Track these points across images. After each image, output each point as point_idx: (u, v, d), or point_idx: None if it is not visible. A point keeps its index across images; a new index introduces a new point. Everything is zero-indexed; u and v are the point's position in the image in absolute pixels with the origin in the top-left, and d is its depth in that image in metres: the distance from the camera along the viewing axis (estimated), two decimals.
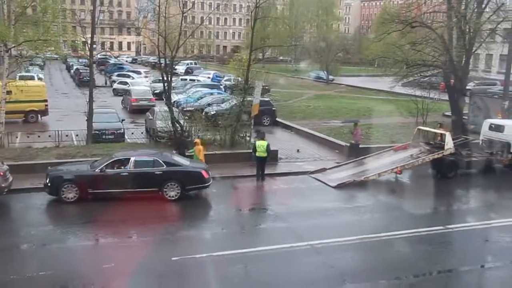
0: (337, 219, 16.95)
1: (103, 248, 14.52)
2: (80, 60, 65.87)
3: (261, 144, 21.05)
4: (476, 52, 28.97)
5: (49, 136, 24.62)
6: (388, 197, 19.96)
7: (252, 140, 24.30)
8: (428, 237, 15.27)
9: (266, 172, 21.15)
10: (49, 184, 17.28)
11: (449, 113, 31.58)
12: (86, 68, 49.68)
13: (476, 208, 19.02)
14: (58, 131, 24.26)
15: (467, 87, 32.55)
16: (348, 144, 24.81)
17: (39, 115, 32.12)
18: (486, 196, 20.61)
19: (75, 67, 62.55)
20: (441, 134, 22.53)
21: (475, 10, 26.24)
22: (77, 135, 25.76)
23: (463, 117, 29.65)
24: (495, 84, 50.91)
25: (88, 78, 30.72)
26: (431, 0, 29.17)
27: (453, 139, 22.13)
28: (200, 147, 20.32)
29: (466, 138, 24.43)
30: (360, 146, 24.73)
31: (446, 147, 21.46)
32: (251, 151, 21.72)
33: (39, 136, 24.78)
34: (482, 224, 16.54)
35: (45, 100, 32.28)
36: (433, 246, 14.74)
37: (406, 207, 18.44)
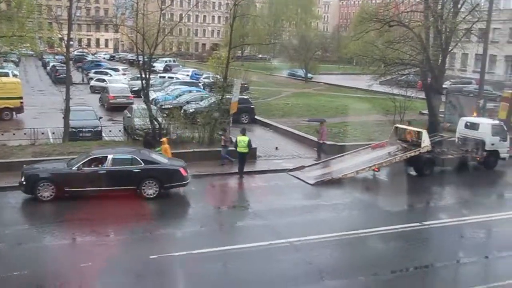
0: (315, 216, 17.06)
1: (80, 247, 14.36)
2: (57, 57, 64.87)
3: (242, 140, 21.18)
4: (452, 51, 29.42)
5: (25, 134, 24.23)
6: (366, 194, 20.16)
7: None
8: (405, 234, 15.49)
9: (244, 170, 21.18)
10: (24, 183, 17.02)
11: (425, 111, 32.01)
12: (62, 65, 48.96)
13: (451, 205, 19.32)
14: (33, 128, 23.88)
15: (443, 86, 32.99)
16: (316, 146, 24.29)
17: (14, 113, 31.51)
18: (461, 193, 20.95)
19: (51, 64, 61.60)
20: (418, 132, 22.81)
21: (451, 10, 26.63)
22: (53, 133, 25.39)
23: (439, 115, 30.09)
24: (471, 83, 51.78)
25: (65, 75, 30.32)
26: (409, 0, 29.45)
27: (429, 137, 22.43)
28: (167, 146, 20.15)
29: (442, 136, 24.80)
30: (339, 144, 24.91)
31: (422, 145, 21.74)
32: (233, 148, 21.87)
33: (14, 134, 24.34)
34: (458, 221, 16.83)
35: (21, 97, 31.68)
36: (410, 243, 14.96)
37: (383, 204, 18.66)
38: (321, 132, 24.10)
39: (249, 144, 21.24)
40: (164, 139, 20.94)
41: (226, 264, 13.23)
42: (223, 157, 22.07)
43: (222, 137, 22.64)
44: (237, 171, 21.27)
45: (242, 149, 21.16)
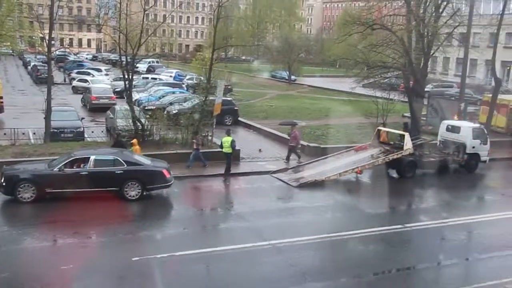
0: (298, 218, 17.11)
1: (61, 249, 14.19)
2: (38, 57, 64.18)
3: (226, 140, 21.28)
4: (434, 55, 29.70)
5: (5, 134, 23.91)
6: (349, 196, 20.25)
7: (214, 139, 24.42)
8: (387, 236, 15.62)
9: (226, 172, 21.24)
10: (4, 184, 16.77)
11: (408, 114, 32.27)
12: (44, 64, 48.44)
13: (433, 207, 19.50)
14: (14, 129, 23.56)
15: (425, 89, 33.31)
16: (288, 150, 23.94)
17: None
18: (443, 195, 21.16)
19: (32, 64, 60.92)
20: (400, 134, 23.01)
21: (433, 14, 26.88)
22: (34, 133, 25.07)
23: (421, 118, 30.37)
24: (452, 86, 52.39)
25: (46, 75, 29.97)
26: (391, 3, 29.63)
27: (411, 140, 22.63)
28: (137, 147, 20.04)
29: (424, 139, 25.03)
30: (322, 146, 25.00)
31: (405, 148, 21.93)
32: (216, 149, 22.15)
33: None
34: (439, 223, 16.99)
35: (1, 97, 31.27)
36: (392, 245, 15.10)
37: (366, 207, 18.78)
38: (292, 136, 23.87)
39: (232, 145, 21.30)
40: (134, 140, 20.81)
41: (209, 266, 13.18)
42: (192, 160, 21.79)
43: (193, 140, 22.50)
44: (220, 172, 21.24)
45: (226, 149, 21.24)
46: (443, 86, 53.81)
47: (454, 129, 24.30)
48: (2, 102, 31.26)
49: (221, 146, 21.61)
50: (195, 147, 22.10)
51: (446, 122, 25.29)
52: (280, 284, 12.17)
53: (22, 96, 42.54)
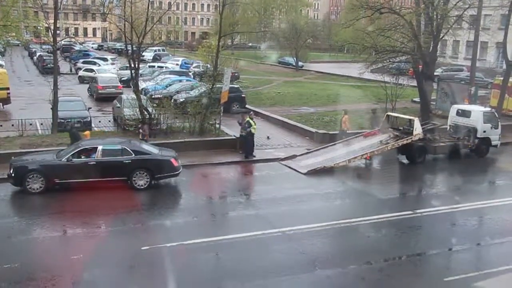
0: (308, 205, 17.09)
1: (71, 239, 14.32)
2: (43, 47, 64.28)
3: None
4: (443, 38, 29.43)
5: (12, 125, 24.05)
6: (358, 183, 20.22)
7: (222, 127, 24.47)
8: (398, 222, 15.61)
9: (235, 160, 21.36)
10: (13, 175, 16.90)
11: (417, 99, 32.10)
12: (49, 54, 48.52)
13: (444, 193, 19.41)
14: (21, 120, 23.68)
15: (435, 73, 33.08)
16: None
17: (0, 104, 31.26)
18: (454, 180, 21.10)
19: (38, 54, 61.05)
20: (409, 119, 22.89)
21: None
22: (41, 124, 25.19)
23: (431, 102, 30.19)
24: (462, 70, 52.02)
25: (52, 65, 30.03)
26: None
27: (421, 125, 22.52)
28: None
29: (434, 123, 24.90)
30: (330, 132, 24.95)
31: (414, 133, 21.82)
32: (223, 137, 22.64)
33: (1, 125, 24.08)
34: (450, 208, 16.94)
35: (7, 88, 31.39)
36: (402, 231, 15.08)
37: (375, 193, 18.71)
38: (243, 124, 22.55)
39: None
40: (86, 132, 20.69)
41: (219, 255, 13.23)
42: None
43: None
44: (227, 161, 21.41)
45: (254, 129, 22.18)
46: (453, 70, 53.43)
47: (464, 113, 24.13)
48: (8, 93, 31.41)
49: (246, 128, 21.89)
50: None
51: (456, 107, 25.10)
52: (292, 272, 12.18)
53: (28, 86, 42.69)
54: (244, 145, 22.07)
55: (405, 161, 22.51)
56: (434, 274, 12.44)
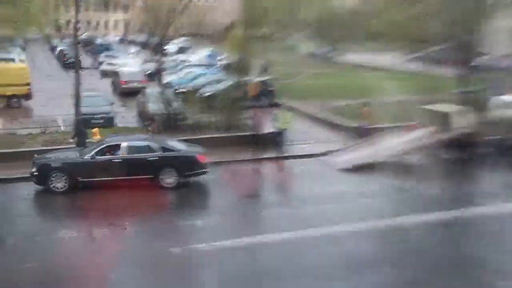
0: (347, 204, 16.78)
1: (96, 239, 14.43)
2: (64, 41, 65.18)
3: (285, 116, 22.69)
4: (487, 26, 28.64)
5: (34, 122, 24.36)
6: (400, 179, 19.67)
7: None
8: (446, 221, 15.23)
9: (267, 156, 21.29)
10: (36, 173, 17.11)
11: (462, 90, 31.34)
12: (70, 48, 49.11)
13: (495, 190, 18.78)
14: (43, 116, 23.98)
15: (480, 62, 32.28)
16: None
17: (22, 100, 31.74)
18: (505, 177, 20.37)
19: (59, 48, 61.95)
20: (457, 111, 22.37)
21: None
22: (64, 120, 25.49)
23: (476, 93, 29.43)
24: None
25: (74, 60, 30.31)
26: None
27: (465, 118, 21.97)
28: (98, 136, 19.88)
29: (479, 116, 24.22)
30: (365, 127, 24.59)
31: (458, 126, 21.30)
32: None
33: (22, 123, 24.50)
34: (503, 208, 16.34)
35: (28, 84, 31.82)
36: (452, 231, 14.73)
37: (420, 190, 18.19)
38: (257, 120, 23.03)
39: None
40: (95, 129, 20.63)
41: (251, 256, 13.13)
42: None
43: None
44: (259, 157, 21.27)
45: (285, 125, 22.00)
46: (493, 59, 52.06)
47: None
48: (29, 89, 31.84)
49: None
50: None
51: (504, 98, 24.43)
52: (333, 275, 11.94)
53: (49, 81, 43.20)
54: (274, 141, 21.84)
55: (449, 156, 21.95)
56: (489, 277, 12.03)
